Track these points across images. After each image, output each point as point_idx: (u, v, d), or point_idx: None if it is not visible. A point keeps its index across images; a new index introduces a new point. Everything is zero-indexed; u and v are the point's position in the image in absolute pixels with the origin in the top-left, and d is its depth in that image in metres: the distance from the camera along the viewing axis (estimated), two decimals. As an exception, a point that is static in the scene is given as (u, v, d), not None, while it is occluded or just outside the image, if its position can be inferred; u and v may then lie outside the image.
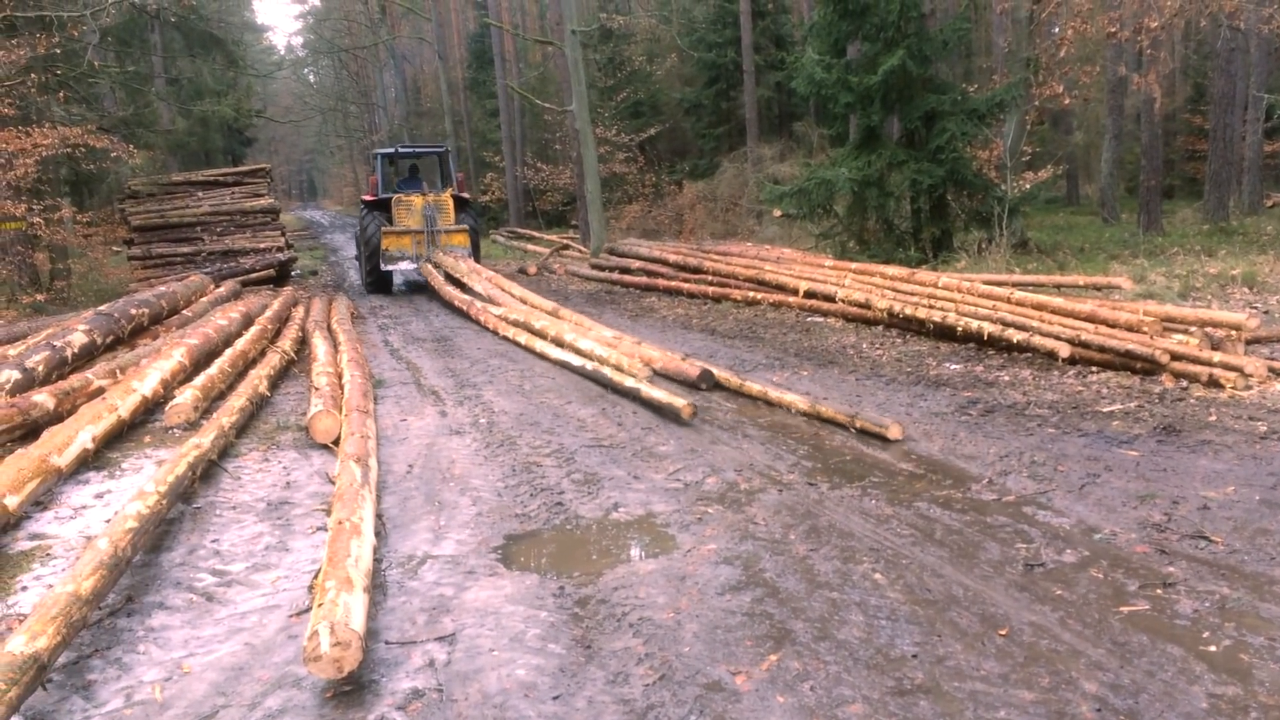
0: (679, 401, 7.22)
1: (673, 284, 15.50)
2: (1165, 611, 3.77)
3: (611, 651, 3.66)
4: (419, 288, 18.73)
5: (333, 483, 5.66)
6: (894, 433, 6.36)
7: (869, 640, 3.63)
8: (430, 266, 17.08)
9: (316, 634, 3.38)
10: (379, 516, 5.06)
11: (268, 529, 5.26)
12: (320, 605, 3.57)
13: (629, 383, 8.12)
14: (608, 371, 8.66)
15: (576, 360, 9.43)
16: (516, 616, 4.01)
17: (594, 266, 19.32)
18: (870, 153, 15.34)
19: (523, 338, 11.24)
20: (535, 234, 29.34)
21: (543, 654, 3.67)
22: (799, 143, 26.85)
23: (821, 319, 11.83)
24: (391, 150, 19.86)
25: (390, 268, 17.71)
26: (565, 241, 26.02)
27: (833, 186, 15.16)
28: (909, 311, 10.16)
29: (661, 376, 8.66)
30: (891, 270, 11.79)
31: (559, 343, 10.39)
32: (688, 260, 15.84)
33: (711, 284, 14.61)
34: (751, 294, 13.49)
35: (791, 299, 12.62)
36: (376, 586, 4.28)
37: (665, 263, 16.55)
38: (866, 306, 11.01)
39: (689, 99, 31.23)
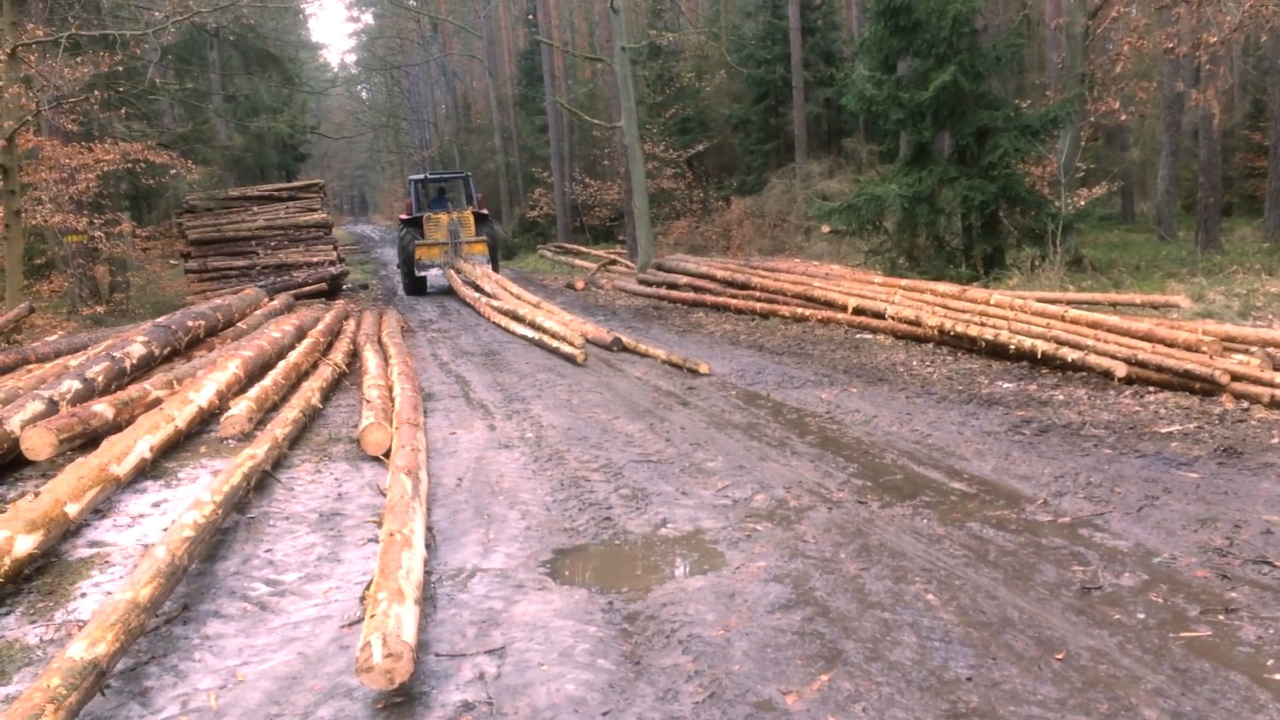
0: (577, 350, 11.41)
1: (720, 300, 15.48)
2: (1227, 638, 3.68)
3: (661, 668, 3.64)
4: (449, 291, 21.14)
5: (383, 495, 5.71)
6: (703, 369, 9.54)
7: (922, 662, 3.58)
8: (452, 272, 20.68)
9: (369, 645, 3.40)
10: (429, 529, 5.09)
11: (320, 540, 5.32)
12: (373, 616, 3.60)
13: (565, 348, 11.75)
14: (547, 338, 12.64)
15: (533, 334, 13.37)
16: (565, 631, 4.01)
17: (641, 282, 19.36)
18: (921, 169, 15.22)
19: (505, 322, 14.91)
20: (583, 249, 29.47)
21: (591, 669, 3.67)
22: (848, 159, 26.73)
23: (870, 336, 11.75)
24: (423, 177, 23.96)
25: (423, 273, 21.45)
26: (613, 257, 26.11)
27: (883, 203, 15.06)
28: (960, 329, 10.05)
29: (590, 343, 12.39)
30: (942, 287, 11.68)
31: (533, 324, 13.90)
32: (735, 276, 15.81)
33: (759, 300, 14.56)
34: (799, 310, 13.43)
35: (840, 315, 12.55)
36: (427, 599, 4.31)
37: (713, 278, 16.54)
38: (916, 324, 10.91)
39: (737, 115, 31.23)
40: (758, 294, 14.83)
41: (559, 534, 5.24)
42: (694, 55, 33.78)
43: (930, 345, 10.75)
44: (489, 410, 8.71)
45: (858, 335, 11.90)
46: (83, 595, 4.68)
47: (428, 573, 4.60)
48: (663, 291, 17.69)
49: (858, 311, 12.23)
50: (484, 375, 10.74)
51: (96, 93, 15.64)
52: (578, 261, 27.48)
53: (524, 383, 10.07)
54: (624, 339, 12.03)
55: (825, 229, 19.01)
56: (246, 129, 26.34)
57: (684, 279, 17.37)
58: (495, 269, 21.16)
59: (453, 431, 7.86)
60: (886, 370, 9.66)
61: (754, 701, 3.35)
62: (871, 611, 4.03)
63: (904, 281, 12.48)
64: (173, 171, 17.93)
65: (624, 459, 6.72)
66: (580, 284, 21.47)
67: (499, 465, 6.72)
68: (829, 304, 12.93)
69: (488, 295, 17.64)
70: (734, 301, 15.04)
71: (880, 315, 11.68)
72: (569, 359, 11.38)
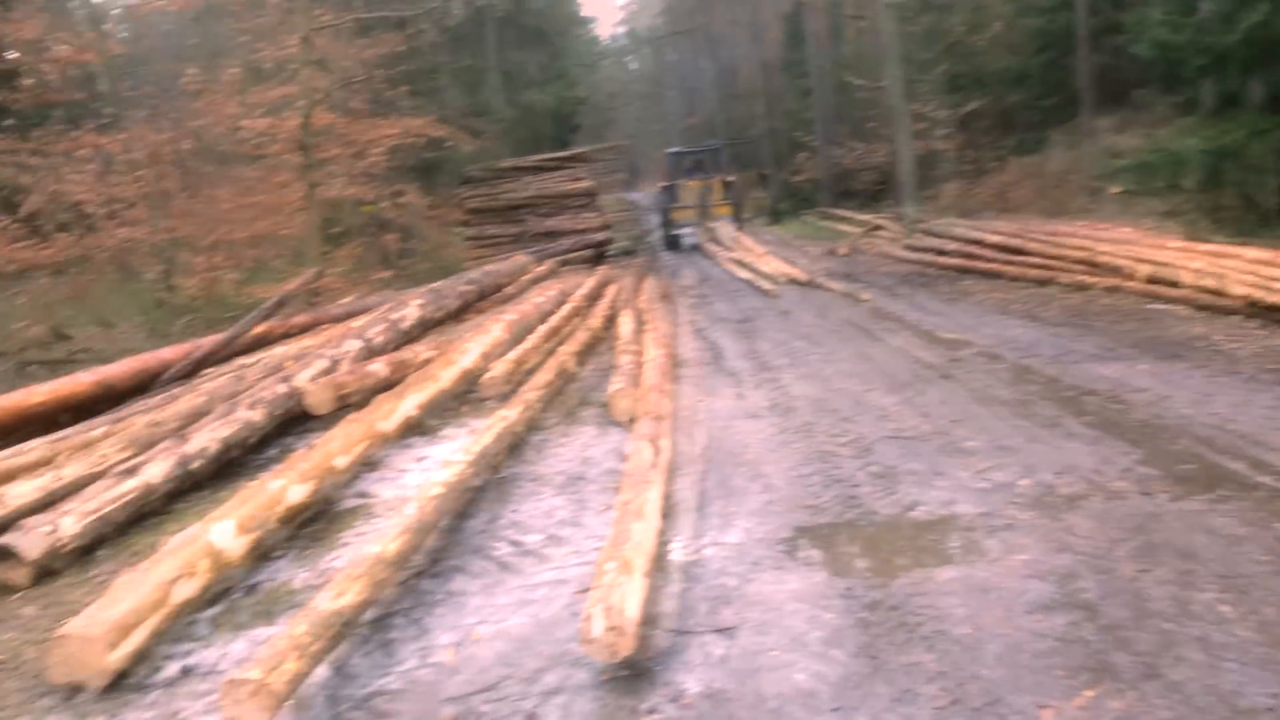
0: (776, 285, 15.07)
1: (992, 266, 14.52)
2: None
3: (900, 665, 3.36)
4: (707, 254, 22.93)
5: (626, 461, 5.69)
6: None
7: (1211, 684, 3.10)
8: (701, 230, 24.06)
9: (591, 616, 3.34)
10: (666, 498, 5.01)
11: (563, 503, 5.37)
12: (598, 587, 3.54)
13: (767, 285, 15.24)
14: (758, 279, 16.04)
15: (746, 275, 16.85)
16: (800, 615, 3.80)
17: (907, 247, 18.57)
18: (1228, 120, 13.57)
19: (733, 268, 18.50)
20: (847, 214, 28.73)
21: (825, 659, 3.44)
22: (1140, 112, 24.33)
23: (1164, 306, 10.59)
24: (678, 150, 28.55)
25: (676, 233, 25.35)
26: (878, 222, 25.25)
27: (1181, 159, 13.57)
28: (1275, 300, 8.86)
29: (792, 282, 15.69)
30: (1253, 252, 10.34)
31: (751, 268, 17.27)
32: (1009, 241, 14.79)
33: (1035, 267, 13.53)
34: (1082, 278, 12.33)
35: (1128, 283, 11.41)
36: (657, 571, 4.21)
37: (984, 244, 15.56)
38: (1220, 293, 9.72)
39: (1015, 69, 29.16)
40: (1034, 260, 13.78)
41: (800, 510, 5.01)
42: (967, 8, 31.84)
43: (1237, 318, 9.54)
44: (739, 378, 8.57)
45: (1148, 305, 10.77)
46: (345, 544, 4.95)
47: (661, 544, 4.52)
48: (929, 258, 16.86)
49: (1151, 280, 11.08)
50: (737, 343, 10.61)
51: (382, 72, 16.73)
52: (841, 227, 26.81)
53: (777, 351, 9.84)
54: (818, 280, 15.21)
55: (1114, 189, 17.49)
56: (518, 103, 27.52)
57: (952, 244, 16.47)
58: (739, 229, 23.84)
59: (701, 399, 7.77)
60: (1182, 345, 8.65)
61: (1003, 713, 3.01)
62: (1151, 620, 3.54)
63: (1206, 246, 11.17)
64: (450, 144, 18.93)
65: (875, 434, 6.37)
66: (843, 249, 20.92)
67: (744, 435, 6.56)
68: (1115, 271, 11.79)
69: (728, 249, 20.91)
70: (1007, 268, 14.06)
71: (1176, 284, 10.51)
72: (767, 293, 14.62)
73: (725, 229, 23.09)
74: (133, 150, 14.22)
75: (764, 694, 3.24)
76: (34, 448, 6.08)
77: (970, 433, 6.24)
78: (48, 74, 14.58)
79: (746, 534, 4.72)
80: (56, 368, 11.30)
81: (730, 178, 26.16)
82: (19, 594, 4.52)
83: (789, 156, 37.64)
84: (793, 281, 15.76)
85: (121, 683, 3.52)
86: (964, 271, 15.29)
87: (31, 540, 4.60)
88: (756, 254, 19.39)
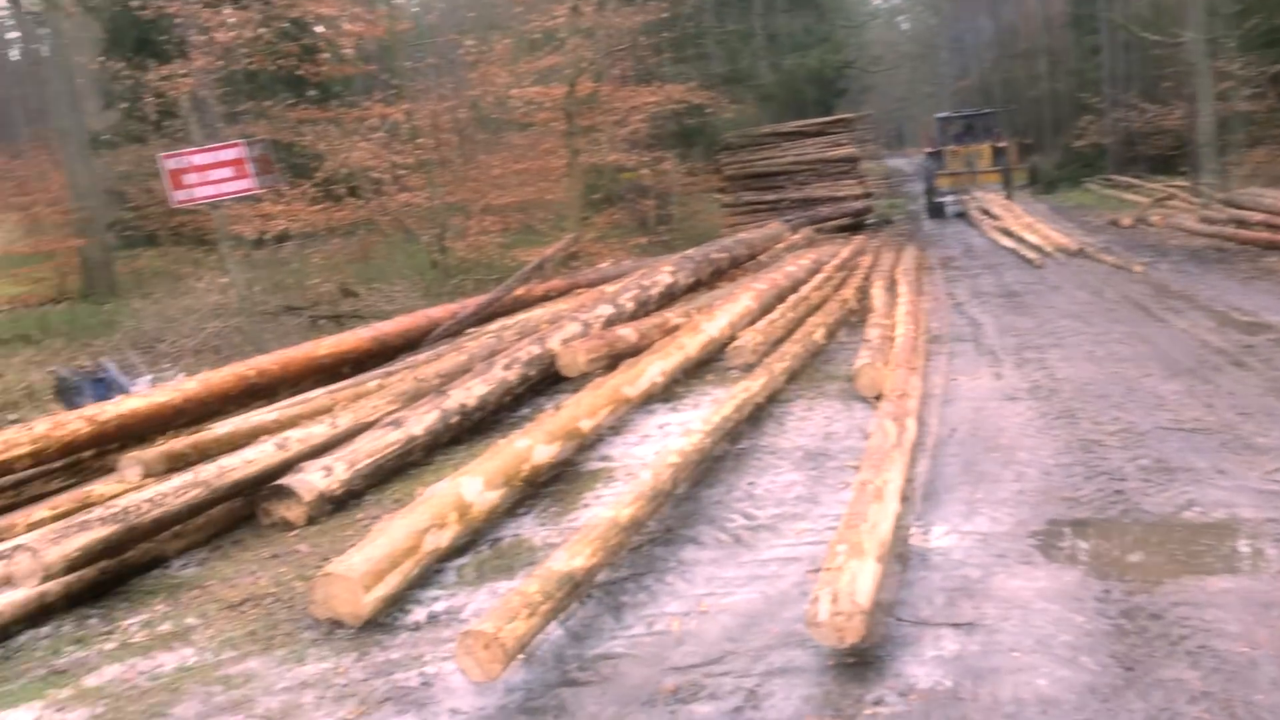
0: (1044, 258, 14.37)
1: (1303, 242, 12.94)
2: None
3: (1158, 680, 3.06)
4: (973, 224, 21.99)
5: (868, 439, 5.51)
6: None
7: None
8: (968, 198, 23.18)
9: (818, 599, 3.26)
10: (908, 481, 4.80)
11: (801, 479, 5.27)
12: (827, 570, 3.44)
13: (1033, 254, 14.81)
14: (1024, 248, 15.65)
15: (1012, 245, 16.37)
16: (1047, 616, 3.54)
17: (1202, 220, 16.87)
18: None
19: (996, 236, 18.13)
20: (1135, 181, 26.61)
21: (1072, 666, 3.19)
22: None
23: None
24: (947, 115, 28.00)
25: (940, 200, 24.75)
26: (1169, 191, 23.15)
27: None
28: None
29: (1060, 250, 15.20)
30: None
31: (1017, 237, 16.79)
32: (1329, 213, 13.12)
33: (1359, 242, 11.95)
34: None
35: None
36: (895, 557, 4.04)
37: (1295, 216, 13.89)
38: None
39: (1348, 17, 25.75)
40: (1358, 235, 12.17)
41: (1057, 502, 4.67)
42: (1291, -51, 28.33)
43: None
44: (998, 356, 8.09)
45: None
46: (585, 506, 5.09)
47: (900, 528, 4.33)
48: (1228, 231, 15.24)
49: None
50: (999, 318, 10.03)
51: (645, 39, 16.95)
52: (1128, 195, 24.83)
53: (1043, 329, 9.22)
54: (1087, 250, 14.73)
55: None
56: (780, 67, 27.21)
57: (1258, 216, 14.79)
58: (1008, 197, 23.21)
59: (954, 378, 7.41)
60: None
61: (1280, 749, 2.68)
62: None
63: None
64: (709, 111, 18.99)
65: (1149, 424, 5.83)
66: (1126, 220, 19.33)
67: (999, 418, 6.19)
68: None
69: (994, 218, 19.99)
70: (1324, 244, 12.49)
71: None
72: (1034, 265, 14.06)
73: (993, 197, 22.37)
74: (415, 119, 15.21)
75: (1000, 697, 3.04)
76: (316, 397, 6.66)
77: (1261, 428, 5.59)
78: (344, 48, 15.85)
79: (994, 524, 4.45)
80: (342, 322, 12.37)
81: (1001, 143, 25.49)
82: (295, 531, 4.97)
83: (1071, 120, 35.12)
84: (1063, 253, 15.04)
85: (372, 623, 3.79)
86: (1269, 248, 13.68)
87: (308, 482, 5.03)
88: (1026, 223, 18.43)
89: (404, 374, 7.23)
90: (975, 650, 3.34)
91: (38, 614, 4.16)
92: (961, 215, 23.56)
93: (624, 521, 4.01)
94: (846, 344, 8.94)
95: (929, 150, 26.36)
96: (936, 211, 25.09)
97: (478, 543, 4.59)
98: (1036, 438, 5.73)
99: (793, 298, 9.89)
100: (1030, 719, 2.93)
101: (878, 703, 3.10)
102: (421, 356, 8.08)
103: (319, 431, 5.69)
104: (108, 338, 13.42)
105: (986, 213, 21.35)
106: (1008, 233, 17.70)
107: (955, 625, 3.53)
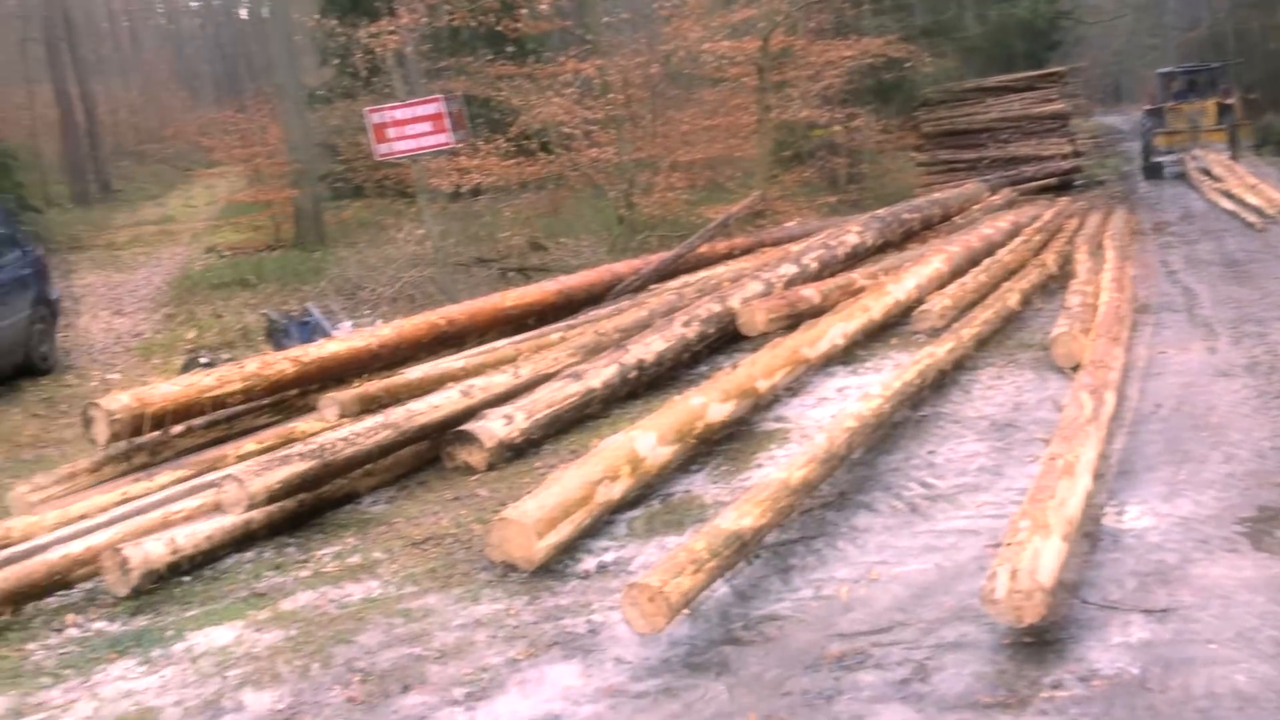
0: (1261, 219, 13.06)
1: None
2: None
3: (1375, 687, 2.78)
4: (1192, 185, 20.31)
5: (1061, 412, 5.23)
6: None
7: None
8: (1188, 158, 21.20)
9: (995, 575, 3.12)
10: (1102, 457, 4.52)
11: (984, 449, 5.07)
12: (1008, 545, 3.29)
13: (1254, 218, 13.38)
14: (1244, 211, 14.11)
15: (1234, 208, 14.77)
16: (1252, 608, 3.27)
17: None
18: None
19: (1216, 198, 16.50)
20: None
21: (1274, 662, 2.94)
22: None
23: None
24: (1170, 70, 25.69)
25: (1158, 160, 22.79)
26: None
27: None
28: None
29: None
30: None
31: (1236, 198, 15.23)
32: None
33: None
34: None
35: None
36: (1083, 536, 3.82)
37: None
38: None
39: None
40: None
41: (1270, 488, 4.29)
42: None
43: None
44: (1212, 329, 7.50)
45: None
46: (758, 466, 5.06)
47: (1090, 506, 4.09)
48: None
49: None
50: (1217, 289, 9.28)
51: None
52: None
53: (1267, 301, 8.47)
54: None
55: None
56: (986, 18, 25.88)
57: None
58: (1234, 158, 20.95)
59: (1162, 351, 6.92)
60: None
61: None
62: None
63: None
64: (909, 65, 18.29)
65: (1387, 407, 5.29)
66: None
67: (1210, 395, 5.74)
68: None
69: (1217, 180, 18.19)
70: None
71: None
72: (1259, 231, 12.72)
73: (1216, 157, 20.35)
74: (607, 75, 15.32)
75: (1192, 690, 2.84)
76: (501, 346, 6.87)
77: None
78: (541, 3, 16.12)
79: (1197, 507, 4.14)
80: (529, 275, 12.68)
81: (1229, 100, 23.37)
82: (475, 476, 5.16)
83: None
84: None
85: (544, 569, 3.90)
86: None
87: (489, 429, 5.21)
88: (1249, 184, 16.72)
89: (585, 328, 7.36)
90: (1167, 639, 3.14)
91: (243, 540, 4.50)
92: (1181, 176, 21.73)
93: (795, 483, 3.95)
94: (1044, 311, 8.49)
95: (1148, 107, 24.40)
96: (1153, 172, 23.20)
97: (649, 497, 4.64)
98: (1252, 418, 5.28)
99: (987, 260, 9.44)
100: (1225, 716, 2.72)
101: (1056, 686, 2.95)
102: (603, 311, 8.19)
103: (502, 380, 5.88)
104: (314, 284, 14.25)
105: (1208, 174, 19.60)
106: (1230, 195, 16.21)
107: (1147, 611, 3.32)
